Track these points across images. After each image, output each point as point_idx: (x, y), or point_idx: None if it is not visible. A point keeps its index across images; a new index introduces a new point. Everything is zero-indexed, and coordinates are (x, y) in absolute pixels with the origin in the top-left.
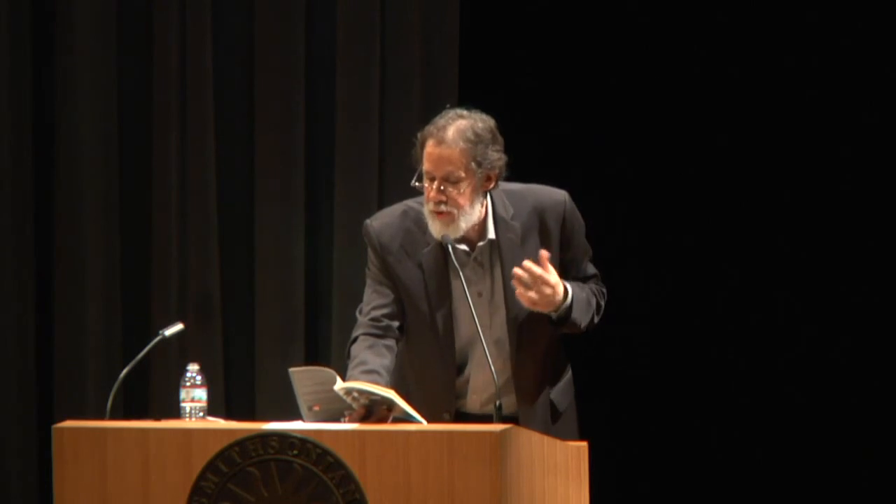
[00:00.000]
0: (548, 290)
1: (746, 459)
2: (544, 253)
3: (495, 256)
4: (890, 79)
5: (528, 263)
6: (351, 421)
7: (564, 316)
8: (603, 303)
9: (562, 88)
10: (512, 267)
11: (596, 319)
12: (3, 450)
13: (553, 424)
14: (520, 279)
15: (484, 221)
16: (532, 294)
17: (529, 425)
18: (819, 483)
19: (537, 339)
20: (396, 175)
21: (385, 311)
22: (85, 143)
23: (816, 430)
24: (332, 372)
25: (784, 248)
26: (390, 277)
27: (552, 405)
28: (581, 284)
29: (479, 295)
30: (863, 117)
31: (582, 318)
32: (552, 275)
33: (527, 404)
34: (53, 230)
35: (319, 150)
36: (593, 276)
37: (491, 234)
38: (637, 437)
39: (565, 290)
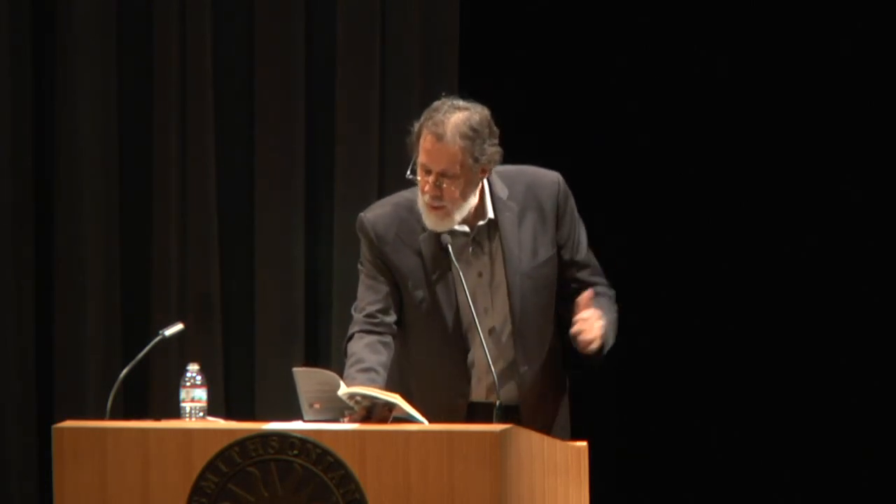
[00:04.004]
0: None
1: (746, 459)
2: (586, 295)
3: (494, 235)
4: (890, 79)
5: (577, 317)
6: (352, 421)
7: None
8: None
9: (562, 88)
10: (512, 244)
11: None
12: (3, 450)
13: (557, 409)
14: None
15: (482, 202)
16: (587, 336)
17: (535, 412)
18: (819, 483)
19: (541, 319)
20: (396, 175)
21: (379, 306)
22: (85, 143)
23: (817, 430)
24: (336, 376)
25: (784, 247)
26: (387, 269)
27: (556, 391)
28: (600, 299)
29: (479, 276)
30: (862, 117)
31: (613, 338)
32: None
33: (529, 388)
34: (53, 230)
35: (319, 150)
36: (591, 265)
37: (490, 214)
38: (637, 437)
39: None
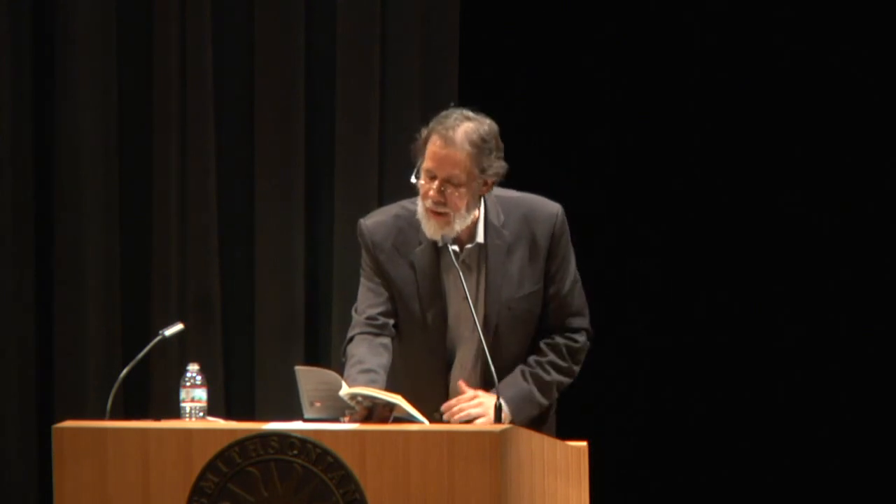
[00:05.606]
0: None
1: (746, 459)
2: (461, 384)
3: (482, 260)
4: (890, 79)
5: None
6: (352, 421)
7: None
8: (571, 363)
9: (562, 89)
10: (496, 273)
11: (566, 381)
12: (3, 450)
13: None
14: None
15: (474, 224)
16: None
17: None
18: (819, 483)
19: (516, 349)
20: (396, 175)
21: (380, 309)
22: (85, 143)
23: (816, 430)
24: (337, 375)
25: (784, 247)
26: (382, 276)
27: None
28: (525, 370)
29: (463, 298)
30: (861, 117)
31: (530, 412)
32: (471, 401)
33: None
34: (53, 230)
35: (319, 150)
36: (573, 304)
37: (480, 238)
38: (637, 437)
39: (498, 405)
